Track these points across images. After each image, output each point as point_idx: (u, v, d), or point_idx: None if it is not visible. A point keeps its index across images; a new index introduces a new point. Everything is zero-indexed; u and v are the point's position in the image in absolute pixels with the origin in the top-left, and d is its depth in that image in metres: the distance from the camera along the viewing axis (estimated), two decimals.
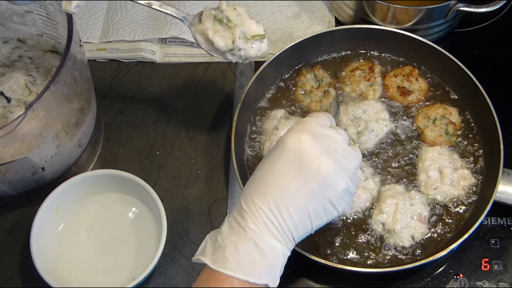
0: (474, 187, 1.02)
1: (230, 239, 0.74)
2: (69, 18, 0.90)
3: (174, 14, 0.95)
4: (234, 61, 0.96)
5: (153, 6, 0.93)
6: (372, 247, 0.97)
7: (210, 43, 0.94)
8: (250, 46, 0.94)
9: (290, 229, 0.76)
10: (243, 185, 0.98)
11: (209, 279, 0.73)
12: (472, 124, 1.08)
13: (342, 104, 1.10)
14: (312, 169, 0.77)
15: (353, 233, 0.98)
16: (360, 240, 0.98)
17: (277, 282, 0.75)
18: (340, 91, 1.13)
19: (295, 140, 0.78)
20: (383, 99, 1.11)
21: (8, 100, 1.06)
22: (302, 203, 0.76)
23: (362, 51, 1.17)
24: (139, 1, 0.92)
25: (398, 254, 0.97)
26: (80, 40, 0.97)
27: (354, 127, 1.07)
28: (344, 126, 1.07)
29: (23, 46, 1.13)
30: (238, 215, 0.76)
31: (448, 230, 0.99)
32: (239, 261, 0.72)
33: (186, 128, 1.16)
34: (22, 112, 0.83)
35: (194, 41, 1.23)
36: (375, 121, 1.07)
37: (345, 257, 0.96)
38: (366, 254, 0.97)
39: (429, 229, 0.98)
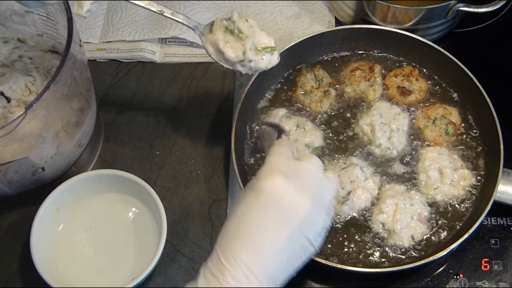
0: (474, 187, 1.02)
1: None
2: (69, 18, 0.90)
3: (185, 23, 0.94)
4: (244, 72, 0.95)
5: (165, 14, 0.92)
6: (372, 247, 0.97)
7: (221, 54, 0.94)
8: (260, 58, 0.93)
9: (272, 277, 0.73)
10: (243, 185, 0.98)
11: None
12: (472, 124, 1.09)
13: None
14: (289, 211, 0.75)
15: (353, 233, 0.98)
16: (360, 240, 0.98)
17: None
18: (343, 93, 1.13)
19: (268, 184, 0.75)
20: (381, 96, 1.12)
21: (8, 100, 1.06)
22: (282, 247, 0.73)
23: (362, 51, 1.17)
24: (151, 9, 0.92)
25: (398, 254, 0.97)
26: (80, 40, 0.97)
27: (383, 135, 1.05)
28: (377, 140, 1.05)
29: (23, 46, 1.13)
30: (216, 269, 0.72)
31: (448, 230, 0.99)
32: None
33: (186, 128, 1.16)
34: (22, 112, 0.83)
35: (194, 41, 1.24)
36: (394, 119, 1.06)
37: (345, 257, 0.96)
38: (366, 254, 0.97)
39: (429, 229, 0.98)
